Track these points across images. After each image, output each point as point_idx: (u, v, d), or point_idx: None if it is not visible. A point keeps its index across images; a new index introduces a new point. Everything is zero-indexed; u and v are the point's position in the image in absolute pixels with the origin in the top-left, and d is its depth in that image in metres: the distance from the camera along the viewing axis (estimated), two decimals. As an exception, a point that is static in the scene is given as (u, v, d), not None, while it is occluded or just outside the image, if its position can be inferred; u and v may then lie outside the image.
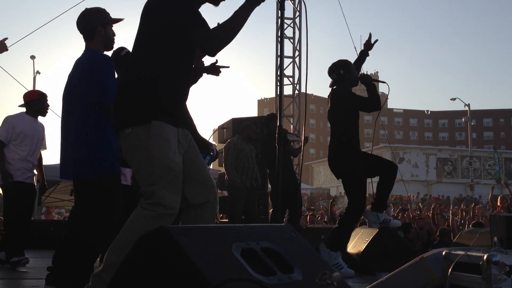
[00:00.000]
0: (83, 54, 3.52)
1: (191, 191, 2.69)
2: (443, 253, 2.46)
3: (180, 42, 2.61)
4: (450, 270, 2.39)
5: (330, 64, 4.97)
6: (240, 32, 2.62)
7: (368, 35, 5.24)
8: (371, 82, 4.88)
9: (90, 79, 3.34)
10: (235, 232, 2.16)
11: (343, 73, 4.85)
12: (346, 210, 4.91)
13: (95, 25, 3.47)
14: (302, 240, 2.36)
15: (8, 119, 5.29)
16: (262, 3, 2.68)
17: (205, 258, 1.85)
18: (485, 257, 2.09)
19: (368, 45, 5.23)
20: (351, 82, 4.91)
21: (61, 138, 3.48)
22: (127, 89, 2.65)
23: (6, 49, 4.46)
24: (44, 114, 5.43)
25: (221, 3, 2.78)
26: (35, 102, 5.32)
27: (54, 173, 10.86)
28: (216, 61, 3.40)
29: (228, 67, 3.49)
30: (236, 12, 2.60)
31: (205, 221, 2.66)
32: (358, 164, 4.74)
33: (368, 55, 5.28)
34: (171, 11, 2.57)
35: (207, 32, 2.56)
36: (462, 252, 2.32)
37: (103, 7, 3.58)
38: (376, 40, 5.23)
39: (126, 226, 2.52)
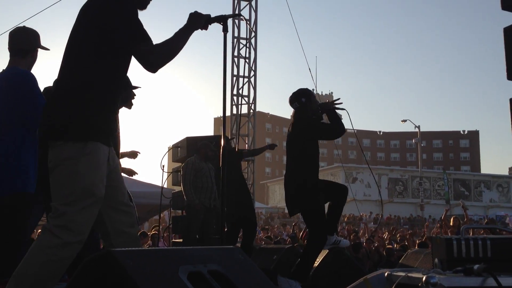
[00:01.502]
0: (9, 70, 3.36)
1: (109, 216, 2.58)
2: (386, 274, 2.55)
3: (119, 53, 2.51)
4: (392, 291, 2.47)
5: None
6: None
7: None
8: (331, 108, 4.85)
9: (18, 95, 3.24)
10: (182, 254, 2.15)
11: (305, 101, 4.80)
12: (310, 241, 4.69)
13: (34, 47, 3.40)
14: (250, 263, 2.38)
15: None
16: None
17: (151, 281, 1.84)
18: (423, 278, 2.17)
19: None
20: (313, 110, 4.85)
21: None
22: (62, 98, 2.45)
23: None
24: None
25: (149, 8, 2.68)
26: None
27: None
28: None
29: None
30: (177, 33, 2.57)
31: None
32: (320, 195, 4.66)
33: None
34: (113, 18, 2.43)
35: (151, 46, 2.47)
36: (403, 273, 2.41)
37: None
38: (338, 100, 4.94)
39: (28, 256, 2.30)
